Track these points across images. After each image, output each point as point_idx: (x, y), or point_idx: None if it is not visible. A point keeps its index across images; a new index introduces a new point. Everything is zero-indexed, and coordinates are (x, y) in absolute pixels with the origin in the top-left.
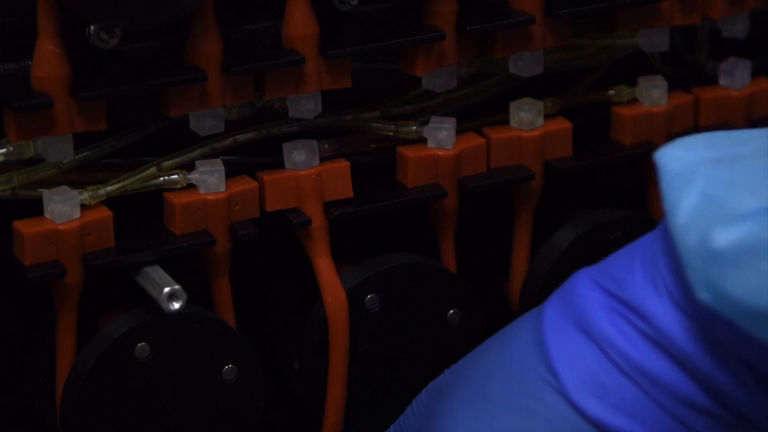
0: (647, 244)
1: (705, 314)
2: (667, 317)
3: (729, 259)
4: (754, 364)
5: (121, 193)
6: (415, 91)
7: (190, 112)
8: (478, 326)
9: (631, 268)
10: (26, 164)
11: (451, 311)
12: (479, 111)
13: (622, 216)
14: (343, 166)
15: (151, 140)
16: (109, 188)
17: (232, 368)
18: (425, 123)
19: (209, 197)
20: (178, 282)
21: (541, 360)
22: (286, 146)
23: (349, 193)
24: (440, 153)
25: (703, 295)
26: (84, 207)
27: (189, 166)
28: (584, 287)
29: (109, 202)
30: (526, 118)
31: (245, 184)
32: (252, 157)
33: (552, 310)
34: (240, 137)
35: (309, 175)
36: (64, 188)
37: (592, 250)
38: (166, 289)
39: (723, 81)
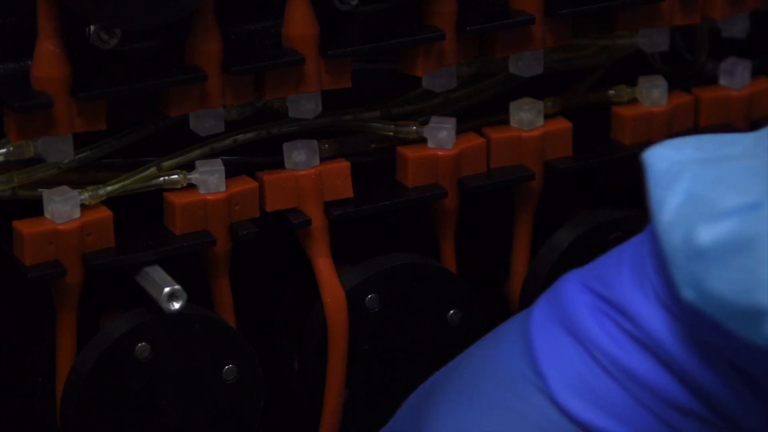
0: (635, 245)
1: (691, 315)
2: (654, 318)
3: (713, 256)
4: (741, 366)
5: (121, 193)
6: (415, 91)
7: (190, 112)
8: (478, 326)
9: (619, 269)
10: (26, 164)
11: (452, 311)
12: (479, 111)
13: (622, 216)
14: (343, 166)
15: (151, 140)
16: (109, 188)
17: (232, 368)
18: (425, 123)
19: (209, 197)
20: (178, 282)
21: (528, 362)
22: (286, 146)
23: (349, 193)
24: (440, 153)
25: (687, 294)
26: (84, 207)
27: (189, 166)
28: (572, 289)
29: (109, 202)
30: (526, 118)
31: (245, 184)
32: (252, 157)
33: (540, 311)
34: (240, 137)
35: (309, 175)
36: (64, 188)
37: (592, 250)
38: (166, 289)
39: (723, 81)
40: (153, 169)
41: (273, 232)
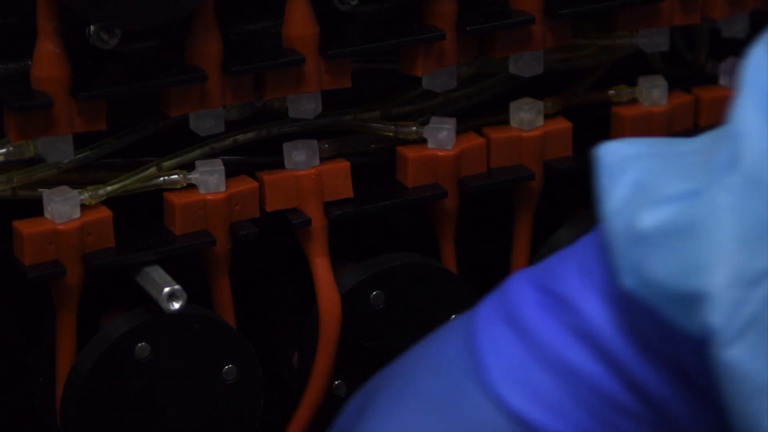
0: (584, 240)
1: (632, 306)
2: (597, 312)
3: (653, 241)
4: (679, 362)
5: (121, 193)
6: (415, 91)
7: (190, 112)
8: None
9: (566, 263)
10: (26, 164)
11: (452, 313)
12: (479, 111)
13: None
14: (343, 166)
15: (151, 140)
16: (109, 188)
17: (232, 368)
18: (425, 123)
19: (209, 197)
20: (178, 282)
21: (468, 354)
22: (286, 146)
23: (349, 193)
24: (440, 153)
25: (628, 280)
26: (84, 207)
27: (189, 166)
28: (518, 285)
29: (109, 202)
30: (526, 118)
31: (245, 184)
32: (252, 157)
33: (486, 307)
34: (240, 137)
35: (309, 175)
36: (64, 188)
37: None
38: (166, 289)
39: (723, 81)
40: (153, 169)
41: (273, 232)
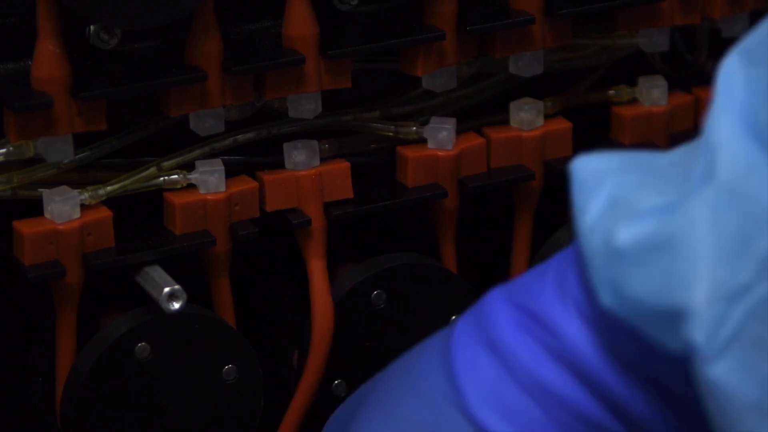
0: (560, 257)
1: (610, 325)
2: (574, 331)
3: (631, 257)
4: (659, 379)
5: (121, 193)
6: (415, 91)
7: (190, 112)
8: None
9: (542, 281)
10: (26, 164)
11: (453, 314)
12: (479, 111)
13: None
14: (343, 166)
15: (151, 140)
16: (109, 188)
17: (232, 368)
18: (425, 123)
19: (209, 197)
20: (178, 282)
21: (446, 376)
22: (286, 146)
23: (349, 194)
24: (440, 153)
25: (606, 298)
26: (84, 207)
27: (189, 166)
28: (495, 303)
29: (109, 202)
30: (526, 118)
31: (245, 184)
32: (252, 157)
33: (462, 325)
34: (240, 137)
35: (309, 176)
36: (64, 188)
37: None
38: (166, 289)
39: None
40: (153, 169)
41: (273, 232)
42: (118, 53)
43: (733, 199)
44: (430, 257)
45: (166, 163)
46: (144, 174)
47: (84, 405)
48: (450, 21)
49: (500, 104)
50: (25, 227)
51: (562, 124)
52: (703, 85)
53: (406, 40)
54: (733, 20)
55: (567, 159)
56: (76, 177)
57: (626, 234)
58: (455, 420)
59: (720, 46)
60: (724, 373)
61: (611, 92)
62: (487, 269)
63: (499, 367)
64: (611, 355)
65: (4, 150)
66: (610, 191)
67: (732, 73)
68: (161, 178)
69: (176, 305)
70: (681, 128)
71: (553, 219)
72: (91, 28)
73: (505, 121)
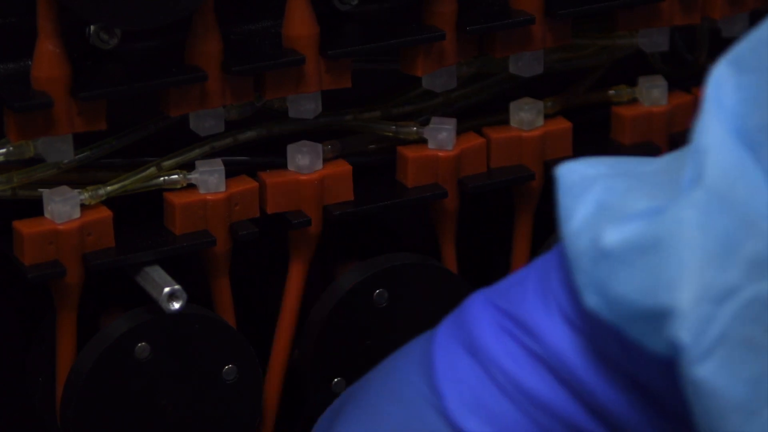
0: (542, 260)
1: (593, 327)
2: (556, 334)
3: (618, 258)
4: (643, 382)
5: (121, 193)
6: (415, 91)
7: (190, 112)
8: None
9: (524, 285)
10: (26, 164)
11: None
12: (479, 111)
13: None
14: (345, 170)
15: (151, 140)
16: (109, 188)
17: (232, 368)
18: (425, 123)
19: (209, 197)
20: (178, 282)
21: (426, 380)
22: (290, 148)
23: (349, 196)
24: (440, 153)
25: (591, 300)
26: (84, 207)
27: (189, 166)
28: (476, 306)
29: (109, 202)
30: (526, 118)
31: (245, 184)
32: (252, 157)
33: (444, 329)
34: (240, 137)
35: (312, 181)
36: (64, 188)
37: None
38: (166, 289)
39: None
40: (153, 169)
41: (273, 232)
42: (118, 53)
43: (721, 203)
44: (430, 257)
45: (166, 163)
46: (144, 174)
47: (84, 405)
48: (450, 21)
49: (500, 104)
50: (25, 227)
51: (562, 124)
52: (703, 85)
53: (406, 40)
54: (733, 20)
55: (567, 159)
56: (76, 177)
57: (614, 235)
58: (435, 424)
59: (720, 46)
60: (710, 374)
61: (611, 92)
62: (487, 269)
63: (480, 371)
64: (594, 357)
65: (4, 150)
66: (598, 196)
67: (721, 80)
68: (161, 178)
69: (176, 305)
70: (681, 128)
71: (553, 219)
72: (91, 28)
73: (505, 121)
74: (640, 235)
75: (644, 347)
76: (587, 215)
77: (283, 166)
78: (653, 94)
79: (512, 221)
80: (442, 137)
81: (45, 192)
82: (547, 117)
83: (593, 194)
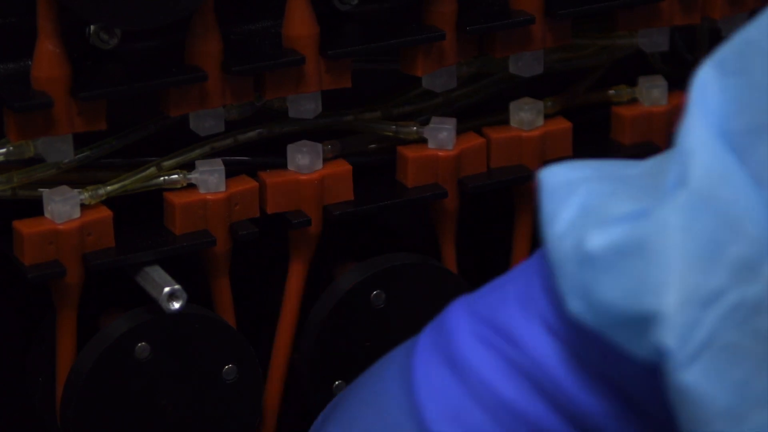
0: (523, 267)
1: (576, 334)
2: (536, 341)
3: (602, 262)
4: (626, 389)
5: (121, 193)
6: (415, 91)
7: (190, 112)
8: None
9: (505, 290)
10: (26, 164)
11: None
12: (479, 111)
13: None
14: (345, 170)
15: (151, 140)
16: (109, 188)
17: (232, 368)
18: (426, 123)
19: (209, 197)
20: (178, 282)
21: (406, 391)
22: (290, 148)
23: (349, 196)
24: (440, 153)
25: (574, 305)
26: (84, 207)
27: (189, 166)
28: (456, 314)
29: (109, 202)
30: (526, 118)
31: (245, 184)
32: (252, 157)
33: (425, 338)
34: (240, 137)
35: (312, 180)
36: (64, 188)
37: None
38: (166, 289)
39: None
40: (153, 169)
41: (273, 232)
42: (118, 53)
43: (705, 205)
44: (430, 257)
45: (166, 163)
46: (144, 174)
47: (84, 405)
48: (450, 21)
49: (500, 104)
50: (25, 227)
51: (562, 124)
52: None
53: (406, 40)
54: (733, 20)
55: (567, 159)
56: (76, 177)
57: (597, 239)
58: None
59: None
60: (696, 379)
61: (611, 92)
62: (487, 269)
63: (458, 382)
64: (575, 365)
65: (4, 150)
66: (582, 199)
67: (706, 83)
68: (161, 178)
69: (176, 305)
70: None
71: None
72: (91, 28)
73: (505, 121)
74: (624, 239)
75: (628, 353)
76: (571, 219)
77: (283, 166)
78: (653, 94)
79: (512, 221)
80: (442, 137)
81: (45, 192)
82: (547, 117)
83: (577, 198)
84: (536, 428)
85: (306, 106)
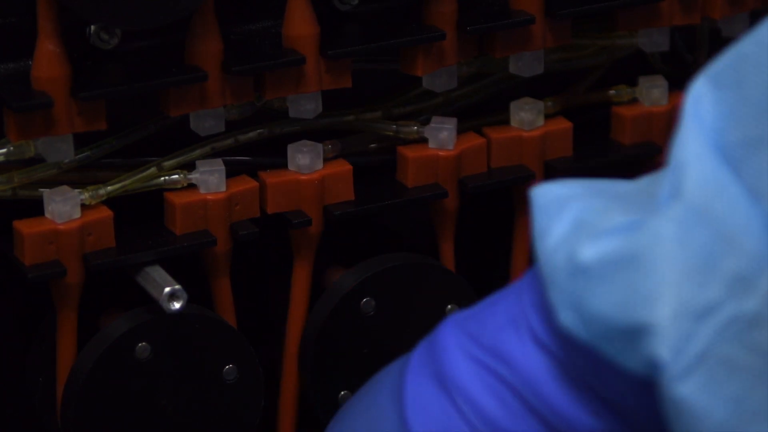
0: (514, 285)
1: (567, 349)
2: (526, 357)
3: (595, 273)
4: (618, 405)
5: (121, 193)
6: (415, 91)
7: (190, 112)
8: None
9: (496, 307)
10: (26, 164)
11: (449, 306)
12: (479, 111)
13: None
14: (345, 170)
15: (151, 140)
16: (109, 188)
17: (232, 368)
18: (426, 123)
19: (209, 197)
20: (178, 282)
21: (397, 410)
22: (290, 148)
23: (350, 197)
24: (441, 153)
25: (566, 317)
26: (84, 207)
27: (189, 166)
28: (447, 332)
29: (110, 202)
30: (527, 118)
31: (245, 184)
32: (253, 157)
33: (417, 355)
34: (241, 137)
35: (312, 180)
36: (65, 188)
37: None
38: (167, 289)
39: None
40: (153, 169)
41: (273, 232)
42: (118, 53)
43: (700, 217)
44: (429, 257)
45: (167, 163)
46: (144, 174)
47: (84, 405)
48: (450, 21)
49: (500, 104)
50: (25, 227)
51: (563, 124)
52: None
53: (406, 40)
54: (733, 20)
55: (567, 159)
56: (77, 177)
57: (590, 250)
58: None
59: (720, 46)
60: (692, 392)
61: (611, 92)
62: (487, 269)
63: (446, 402)
64: (566, 380)
65: (4, 150)
66: (575, 214)
67: (700, 96)
68: (162, 178)
69: (177, 305)
70: None
71: None
72: (91, 28)
73: (506, 121)
74: (617, 250)
75: (620, 366)
76: (563, 233)
77: (284, 166)
78: (653, 94)
79: (512, 221)
80: (442, 137)
81: (45, 192)
82: (548, 117)
83: (569, 212)
84: None
85: (306, 106)
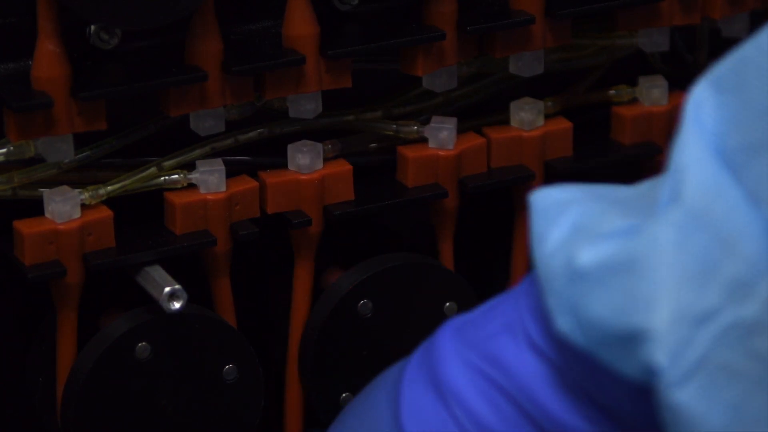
0: (513, 290)
1: (563, 354)
2: (522, 363)
3: (593, 278)
4: (614, 411)
5: (121, 193)
6: (415, 91)
7: (190, 112)
8: None
9: (493, 312)
10: (26, 164)
11: (447, 304)
12: (479, 111)
13: None
14: (345, 170)
15: (151, 140)
16: (109, 188)
17: (232, 368)
18: (426, 123)
19: (210, 197)
20: (178, 282)
21: (394, 416)
22: (290, 148)
23: (350, 196)
24: (441, 153)
25: (563, 322)
26: (84, 207)
27: (189, 166)
28: (444, 338)
29: (110, 202)
30: (527, 118)
31: (245, 184)
32: (253, 157)
33: (414, 361)
34: (241, 137)
35: (312, 180)
36: (65, 188)
37: None
38: (167, 289)
39: None
40: (153, 169)
41: (273, 232)
42: (118, 53)
43: (699, 222)
44: (429, 257)
45: (167, 163)
46: (144, 174)
47: (84, 405)
48: (450, 21)
49: (500, 104)
50: (25, 227)
51: (563, 124)
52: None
53: (406, 40)
54: (733, 20)
55: (567, 159)
56: (77, 177)
57: (588, 255)
58: None
59: (720, 46)
60: (690, 398)
61: (611, 92)
62: (487, 269)
63: (442, 409)
64: (562, 386)
65: (4, 150)
66: (573, 219)
67: (701, 100)
68: (162, 178)
69: (177, 305)
70: None
71: None
72: (91, 28)
73: (506, 121)
74: (615, 255)
75: (617, 372)
76: (561, 238)
77: (284, 166)
78: (653, 94)
79: (512, 221)
80: (442, 136)
81: (45, 192)
82: (548, 117)
83: (568, 217)
84: None
85: (306, 106)
